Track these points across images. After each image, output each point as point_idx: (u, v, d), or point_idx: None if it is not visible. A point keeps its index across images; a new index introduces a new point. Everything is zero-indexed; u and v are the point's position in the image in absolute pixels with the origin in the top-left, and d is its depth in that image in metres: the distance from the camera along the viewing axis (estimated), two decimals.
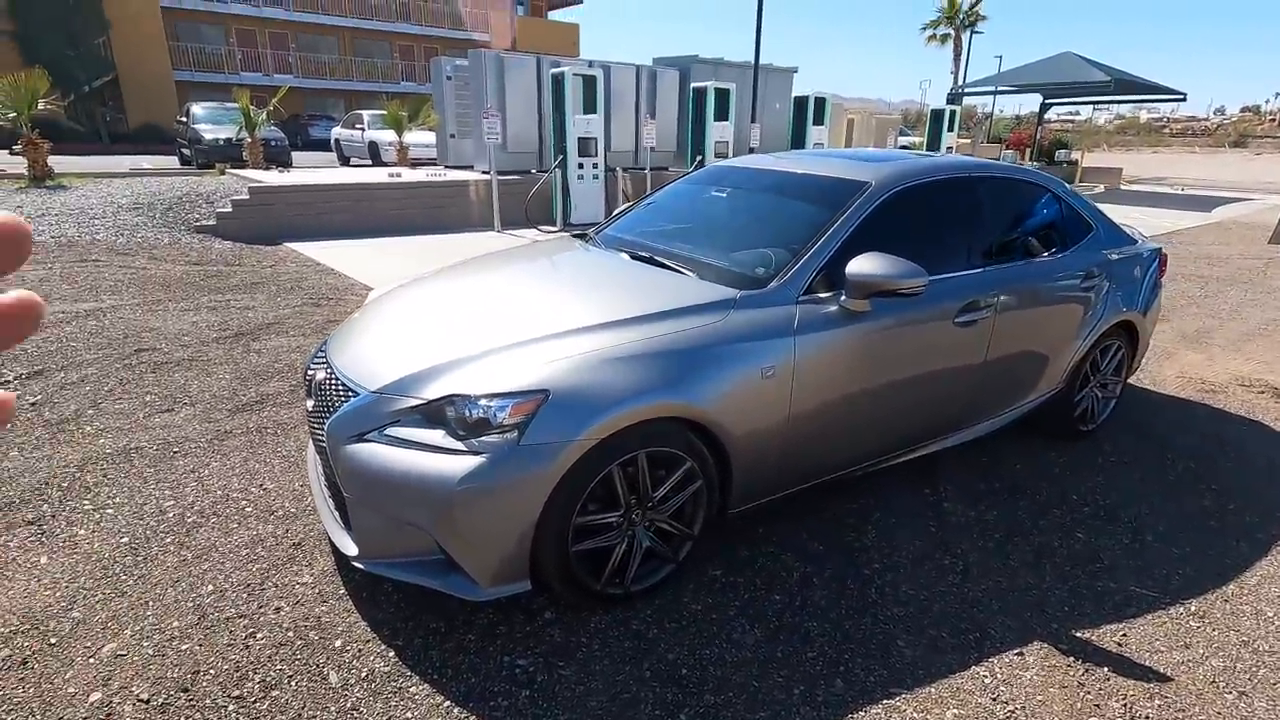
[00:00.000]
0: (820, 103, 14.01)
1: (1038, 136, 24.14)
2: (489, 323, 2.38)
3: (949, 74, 39.02)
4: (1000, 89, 22.54)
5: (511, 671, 1.97)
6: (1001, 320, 2.97)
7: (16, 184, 9.23)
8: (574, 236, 3.48)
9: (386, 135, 15.68)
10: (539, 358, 2.07)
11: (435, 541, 1.98)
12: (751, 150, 13.27)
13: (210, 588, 2.23)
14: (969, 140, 26.56)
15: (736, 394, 2.23)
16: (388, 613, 2.16)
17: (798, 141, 14.17)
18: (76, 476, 2.86)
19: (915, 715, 1.88)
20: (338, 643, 2.04)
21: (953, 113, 16.53)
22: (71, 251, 6.95)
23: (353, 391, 2.14)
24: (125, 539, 2.47)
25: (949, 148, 16.30)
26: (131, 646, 1.97)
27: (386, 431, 2.02)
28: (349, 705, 1.83)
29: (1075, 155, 23.14)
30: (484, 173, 11.05)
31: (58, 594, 2.18)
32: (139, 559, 2.36)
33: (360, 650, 2.01)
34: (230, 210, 8.59)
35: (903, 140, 26.57)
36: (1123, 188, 21.23)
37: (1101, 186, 20.63)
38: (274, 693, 1.85)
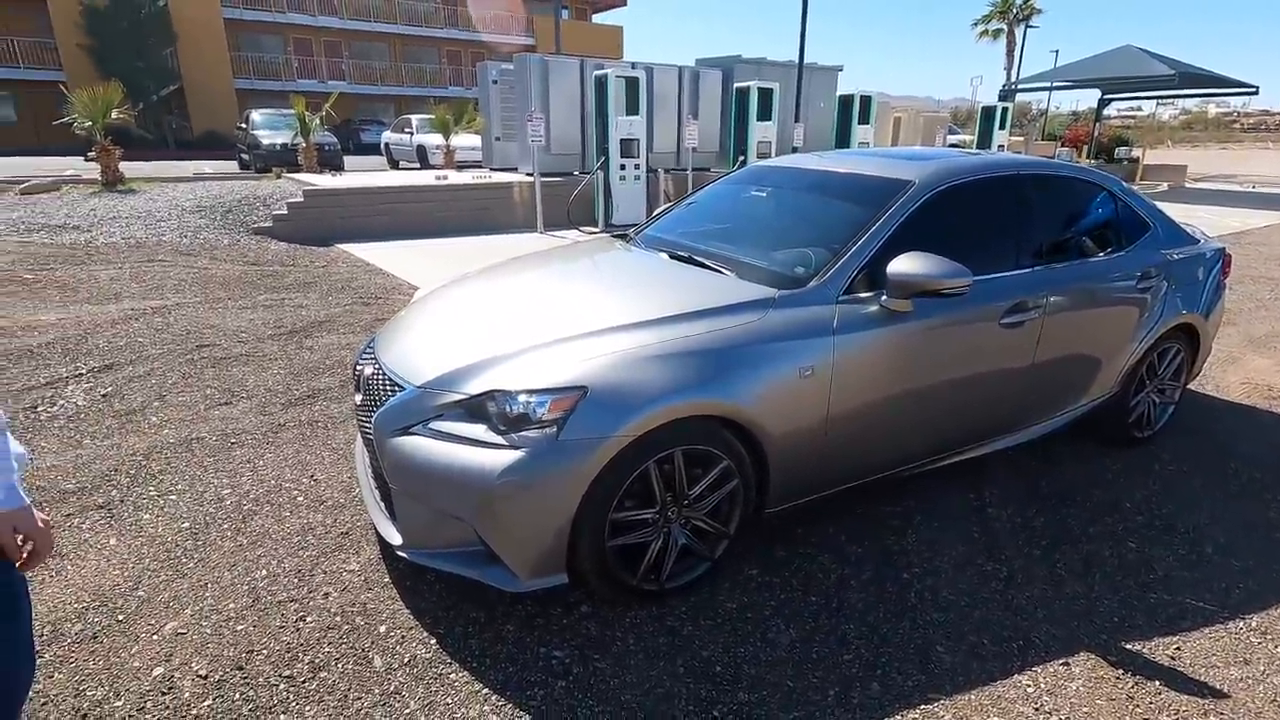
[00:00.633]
0: (866, 101, 13.79)
1: (1095, 133, 23.27)
2: (530, 320, 2.43)
3: (1001, 70, 37.96)
4: (1056, 84, 21.82)
5: (548, 662, 2.00)
6: (1051, 322, 2.88)
7: (91, 189, 9.76)
8: (614, 237, 3.52)
9: (434, 139, 16.06)
10: (578, 355, 2.10)
11: (476, 533, 2.03)
12: (795, 150, 13.15)
13: (264, 572, 2.33)
14: (1022, 138, 25.78)
15: (774, 393, 2.22)
16: (430, 601, 2.23)
17: (842, 141, 13.96)
18: (142, 464, 3.02)
19: None
20: (382, 628, 2.11)
21: (1005, 109, 16.06)
22: (140, 252, 7.31)
23: (399, 386, 2.22)
24: (186, 524, 2.60)
25: (1000, 146, 15.85)
26: (191, 625, 2.08)
27: (430, 425, 2.09)
28: (391, 689, 1.89)
29: (1136, 152, 22.21)
30: (527, 175, 11.21)
31: (125, 574, 2.31)
32: (199, 543, 2.49)
33: (403, 637, 2.08)
34: (286, 213, 8.92)
35: (951, 139, 25.93)
36: (1187, 185, 20.31)
37: (1165, 184, 19.77)
38: (322, 674, 1.92)
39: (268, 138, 15.30)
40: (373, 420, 2.20)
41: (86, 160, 14.48)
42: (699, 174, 12.04)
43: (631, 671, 1.98)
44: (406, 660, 1.99)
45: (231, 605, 2.17)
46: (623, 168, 10.74)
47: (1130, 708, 1.91)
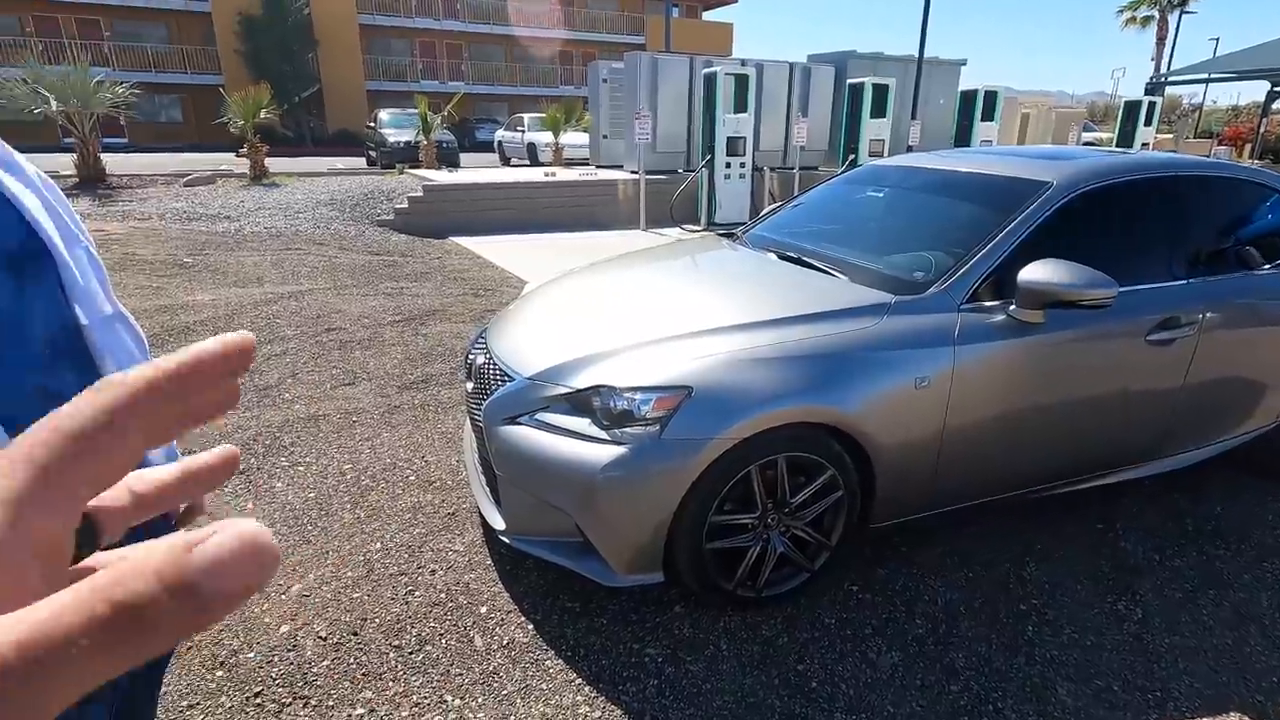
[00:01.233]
0: (990, 96, 12.96)
1: (1261, 130, 20.77)
2: (636, 317, 2.44)
3: (1148, 62, 34.58)
4: (1216, 76, 19.63)
5: (641, 659, 2.01)
6: (1207, 340, 2.59)
7: (241, 182, 10.75)
8: (720, 235, 3.49)
9: (544, 137, 16.55)
10: (684, 354, 2.09)
11: (576, 525, 2.07)
12: (910, 149, 12.56)
13: (378, 545, 2.48)
14: (1170, 136, 23.41)
15: (886, 403, 2.13)
16: (528, 587, 2.29)
17: (962, 139, 13.20)
18: (277, 436, 3.29)
19: None
20: (483, 609, 2.19)
21: (1151, 104, 14.62)
22: (279, 240, 7.98)
23: (508, 376, 2.29)
24: (312, 494, 2.81)
25: (1144, 144, 14.45)
26: (314, 589, 2.24)
27: (537, 416, 2.14)
28: (490, 669, 1.96)
29: None
30: (632, 172, 11.33)
31: None
32: (322, 513, 2.68)
33: (503, 619, 2.15)
34: (406, 206, 9.46)
35: (1086, 136, 23.93)
36: None
37: None
38: (427, 647, 2.02)
39: (393, 135, 16.27)
40: (482, 408, 2.28)
41: (238, 156, 15.95)
42: (806, 173, 11.74)
43: (723, 678, 1.95)
44: (505, 643, 2.06)
45: (349, 574, 2.32)
46: (728, 166, 10.65)
47: None
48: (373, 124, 17.86)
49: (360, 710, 1.82)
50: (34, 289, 1.03)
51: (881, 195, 3.24)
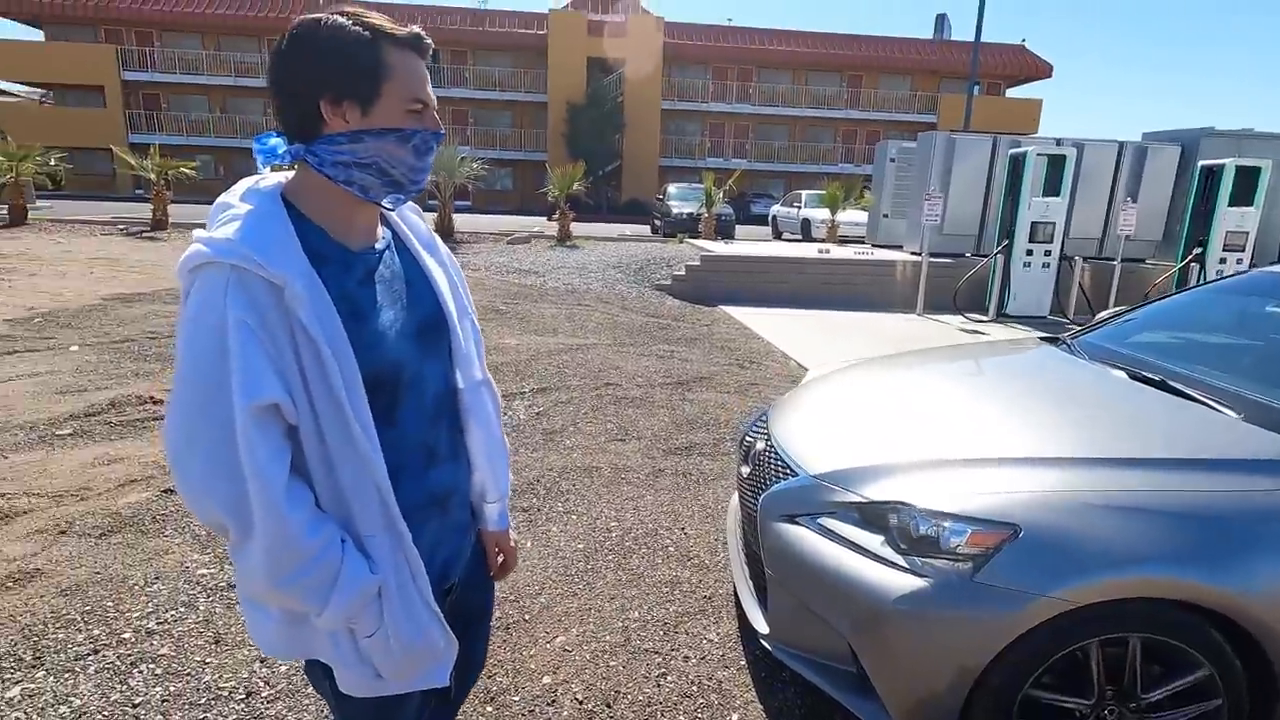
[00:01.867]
0: None
1: None
2: (945, 427, 2.18)
3: None
4: None
5: None
6: None
7: (549, 243, 12.41)
8: (1043, 339, 3.03)
9: (819, 213, 16.57)
10: (1008, 483, 1.79)
11: (851, 651, 1.84)
12: None
13: (636, 615, 2.49)
14: None
15: None
16: (784, 704, 2.10)
17: None
18: (556, 481, 3.56)
19: None
20: (734, 717, 2.04)
21: None
22: (572, 297, 8.96)
23: (790, 470, 2.17)
24: (581, 545, 2.95)
25: None
26: (575, 646, 2.31)
27: (820, 520, 1.98)
28: None
29: None
30: (913, 253, 10.75)
31: (534, 577, 2.69)
32: (588, 567, 2.79)
33: None
34: (683, 274, 10.04)
35: None
36: None
37: None
38: None
39: (677, 207, 17.60)
40: (759, 500, 2.19)
41: (549, 220, 18.52)
42: (1130, 266, 10.05)
43: None
44: None
45: (608, 638, 2.35)
46: (1029, 253, 9.56)
47: None
48: (661, 196, 19.55)
49: None
50: (433, 355, 1.18)
51: None
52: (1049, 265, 9.60)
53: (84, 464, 3.50)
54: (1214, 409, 2.04)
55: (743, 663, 2.27)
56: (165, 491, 3.20)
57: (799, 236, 17.86)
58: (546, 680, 2.14)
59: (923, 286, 9.58)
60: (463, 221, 15.35)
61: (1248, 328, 2.60)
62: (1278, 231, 10.31)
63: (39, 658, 2.12)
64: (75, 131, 28.43)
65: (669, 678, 2.18)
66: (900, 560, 1.77)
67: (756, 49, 32.92)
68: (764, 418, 2.63)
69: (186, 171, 14.52)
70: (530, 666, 2.20)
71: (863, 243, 13.69)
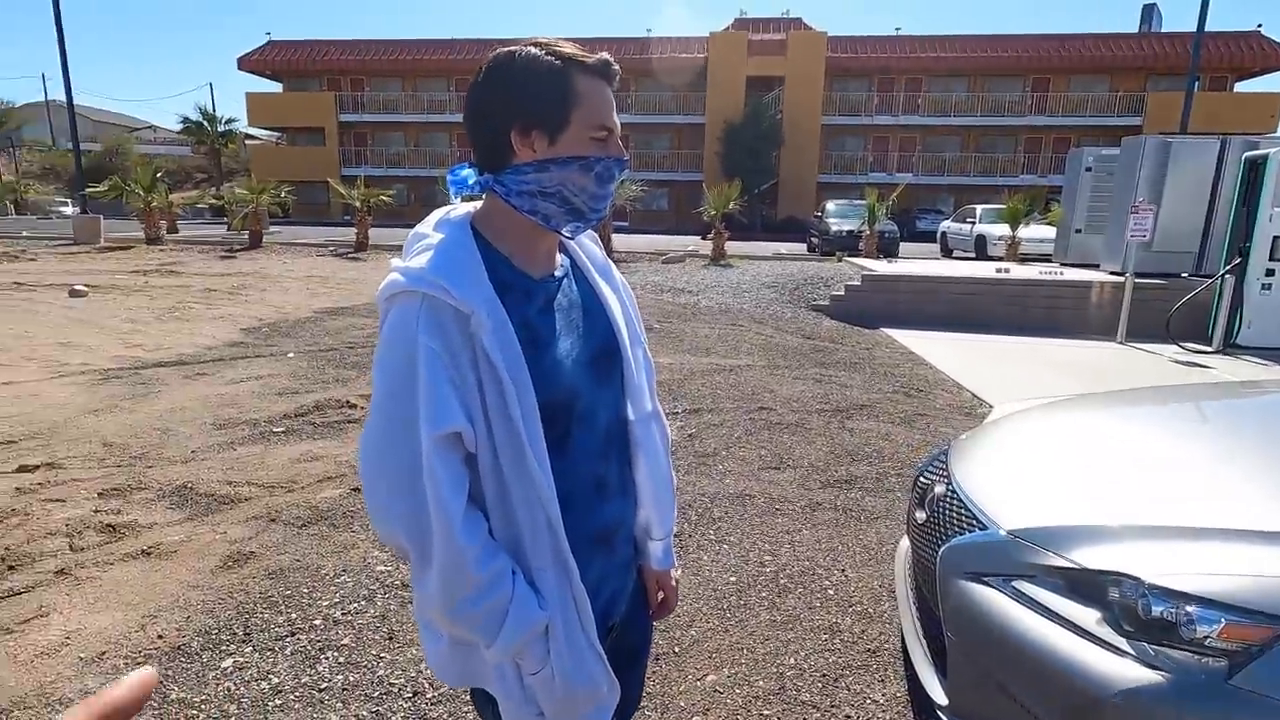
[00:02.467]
0: None
1: None
2: (1172, 484, 1.83)
3: None
4: None
5: None
6: None
7: (703, 262, 12.46)
8: None
9: (996, 229, 15.22)
10: (1273, 563, 1.45)
11: None
12: None
13: (792, 661, 2.33)
14: None
15: None
16: None
17: None
18: (708, 507, 3.48)
19: None
20: None
21: None
22: (726, 316, 8.88)
23: (977, 522, 1.92)
24: (733, 579, 2.84)
25: None
26: (727, 688, 2.20)
27: (1014, 584, 1.72)
28: None
29: None
30: (1113, 273, 9.52)
31: (684, 608, 2.62)
32: (741, 603, 2.67)
33: None
34: (842, 294, 9.60)
35: None
36: None
37: None
38: None
39: (836, 225, 16.96)
40: (938, 551, 1.96)
41: (703, 239, 18.64)
42: None
43: None
44: None
45: (761, 683, 2.22)
46: (1269, 273, 8.08)
47: None
48: (819, 213, 18.97)
49: None
50: (606, 385, 1.16)
51: None
52: None
53: (292, 459, 3.96)
54: None
55: None
56: (355, 490, 3.52)
57: (972, 254, 16.49)
58: None
59: (1126, 311, 8.41)
60: (620, 241, 15.85)
61: None
62: None
63: (248, 634, 2.39)
64: (301, 167, 33.16)
65: None
66: (1123, 644, 1.49)
67: (927, 57, 31.10)
68: (942, 457, 2.38)
69: (384, 199, 16.43)
70: (679, 704, 2.12)
71: (1049, 260, 12.37)
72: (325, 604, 2.57)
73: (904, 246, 18.19)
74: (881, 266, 11.07)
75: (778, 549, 3.09)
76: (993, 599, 1.74)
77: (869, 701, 2.15)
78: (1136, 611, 1.50)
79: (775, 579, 2.84)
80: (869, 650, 2.40)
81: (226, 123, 38.38)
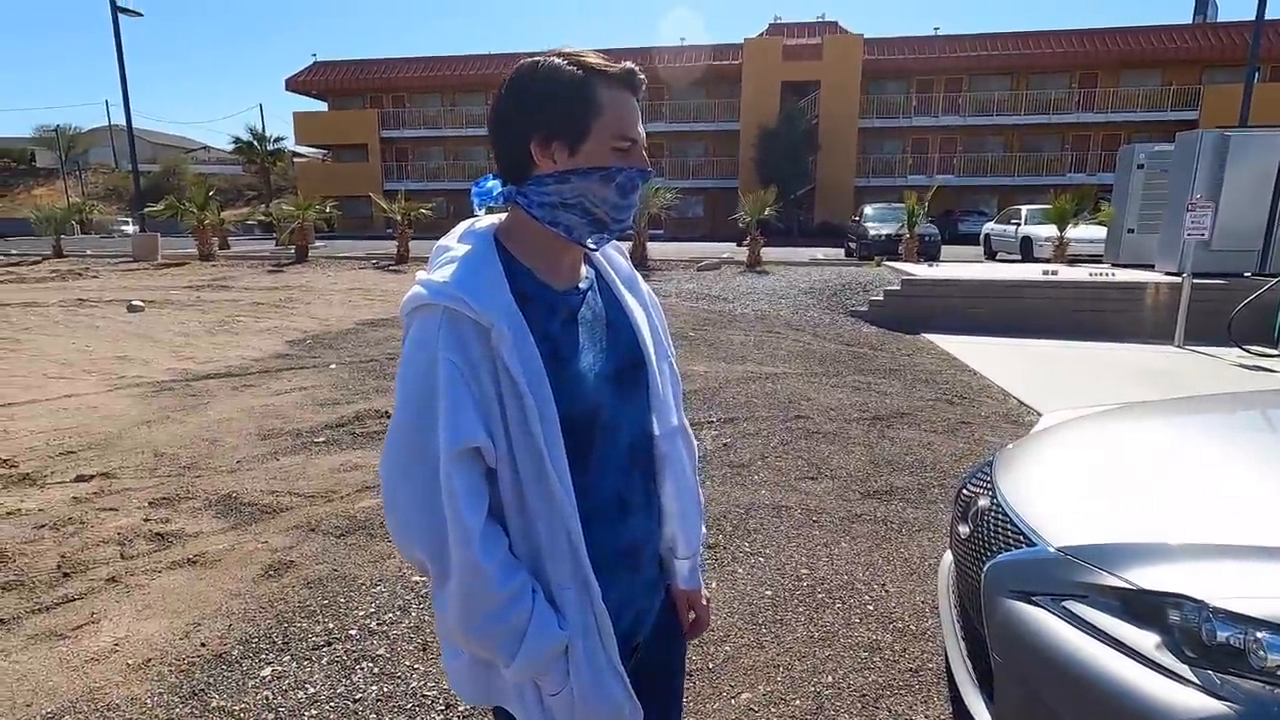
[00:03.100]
0: None
1: None
2: (1239, 501, 1.72)
3: None
4: None
5: None
6: None
7: (738, 268, 12.37)
8: None
9: (1042, 230, 14.77)
10: None
11: None
12: None
13: (829, 680, 2.26)
14: None
15: None
16: None
17: None
18: (743, 518, 3.42)
19: None
20: None
21: None
22: (762, 324, 8.78)
23: (1024, 538, 1.83)
24: (769, 592, 2.78)
25: None
26: (761, 706, 2.14)
27: (1065, 604, 1.64)
28: None
29: None
30: (1168, 273, 9.13)
31: (718, 622, 2.57)
32: (776, 618, 2.61)
33: None
34: (881, 299, 9.41)
35: None
36: None
37: None
38: None
39: (874, 229, 16.67)
40: (982, 568, 1.88)
41: (739, 246, 18.52)
42: None
43: None
44: None
45: (798, 702, 2.15)
46: None
47: None
48: (857, 218, 18.68)
49: None
50: (630, 399, 1.13)
51: None
52: None
53: (332, 469, 4.04)
54: None
55: None
56: None
57: (1017, 256, 16.02)
58: None
59: (1183, 313, 8.04)
60: (655, 249, 15.85)
61: None
62: None
63: (287, 643, 2.42)
64: (345, 182, 34.10)
65: None
66: (1187, 672, 1.39)
67: (967, 56, 30.43)
68: (987, 468, 2.28)
69: (424, 212, 16.79)
70: None
71: (1099, 261, 11.93)
72: (361, 614, 2.60)
73: (946, 250, 17.76)
74: (922, 270, 10.83)
75: (815, 562, 3.01)
76: (1042, 620, 1.65)
77: None
78: (1200, 637, 1.41)
79: (812, 593, 2.77)
80: (911, 670, 2.31)
81: (275, 141, 39.87)
